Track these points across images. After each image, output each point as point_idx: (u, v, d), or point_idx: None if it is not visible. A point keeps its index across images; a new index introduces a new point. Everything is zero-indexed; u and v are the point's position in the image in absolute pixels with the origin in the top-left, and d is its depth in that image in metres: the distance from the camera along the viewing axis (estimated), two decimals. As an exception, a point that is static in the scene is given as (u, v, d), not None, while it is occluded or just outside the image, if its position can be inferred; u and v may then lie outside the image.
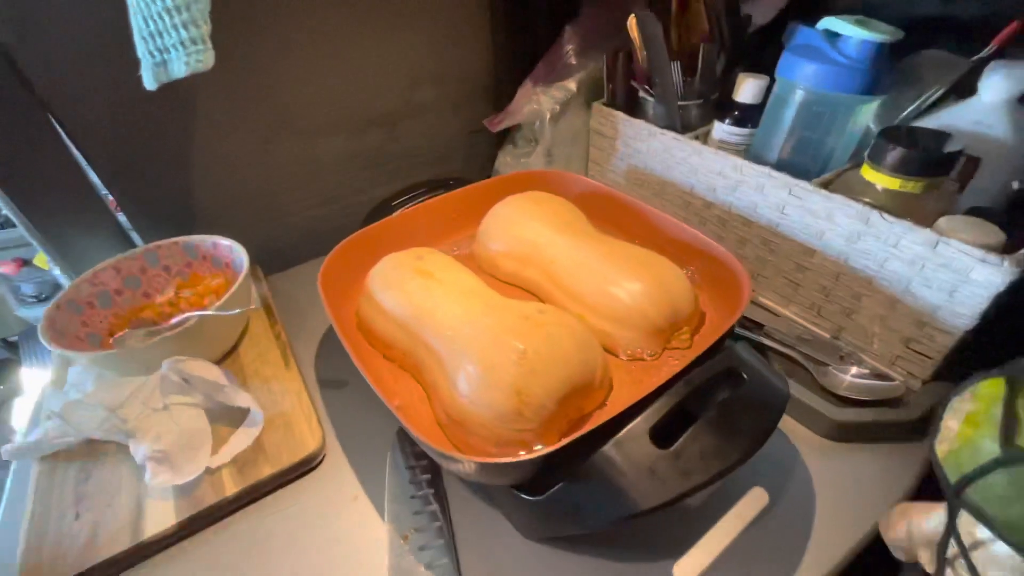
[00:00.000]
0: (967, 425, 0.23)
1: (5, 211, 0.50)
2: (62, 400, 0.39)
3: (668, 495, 0.29)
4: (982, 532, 0.25)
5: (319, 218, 0.68)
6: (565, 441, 0.30)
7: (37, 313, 1.41)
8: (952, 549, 0.25)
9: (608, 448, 0.31)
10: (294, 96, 0.58)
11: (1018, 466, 0.19)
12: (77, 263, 0.54)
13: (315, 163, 0.65)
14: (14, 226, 1.33)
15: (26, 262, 1.36)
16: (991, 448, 0.21)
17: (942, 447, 0.25)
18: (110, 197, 0.54)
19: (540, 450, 0.30)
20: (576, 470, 0.32)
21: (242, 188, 0.61)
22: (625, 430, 0.31)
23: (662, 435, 0.31)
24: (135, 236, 0.58)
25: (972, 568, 0.24)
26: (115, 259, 0.51)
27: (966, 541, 0.25)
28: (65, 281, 1.04)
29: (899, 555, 0.31)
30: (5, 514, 0.40)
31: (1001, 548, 0.23)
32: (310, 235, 0.68)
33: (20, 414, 1.60)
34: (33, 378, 1.67)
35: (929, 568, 0.28)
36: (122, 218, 0.57)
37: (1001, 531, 0.20)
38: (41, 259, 1.34)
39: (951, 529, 0.24)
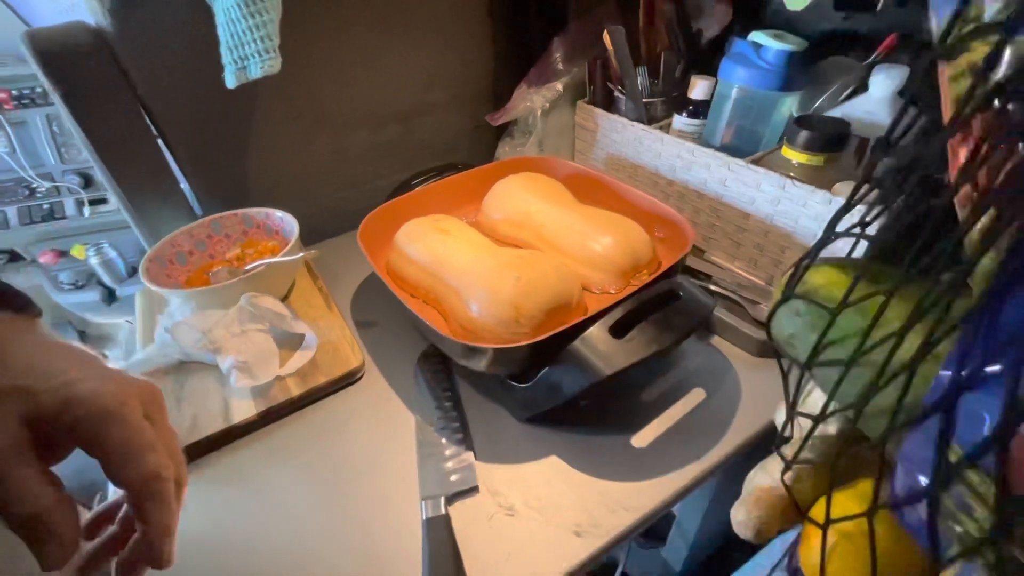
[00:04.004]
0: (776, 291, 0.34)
1: (107, 187, 0.62)
2: (171, 321, 0.51)
3: (620, 366, 0.41)
4: (807, 386, 0.35)
5: (345, 199, 0.80)
6: (549, 333, 0.42)
7: (74, 299, 1.52)
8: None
9: (577, 341, 0.43)
10: (331, 97, 0.71)
11: (787, 303, 0.30)
12: (153, 228, 0.66)
13: (343, 153, 0.77)
14: (54, 220, 1.46)
15: (63, 253, 1.47)
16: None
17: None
18: (182, 176, 0.67)
19: (533, 339, 0.42)
20: (554, 360, 0.44)
21: (285, 173, 0.73)
22: (590, 329, 0.43)
23: (621, 335, 0.44)
24: (197, 208, 0.70)
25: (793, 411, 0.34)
26: (188, 227, 0.63)
27: (802, 401, 0.35)
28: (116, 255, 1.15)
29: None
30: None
31: (815, 394, 0.34)
32: (338, 214, 0.80)
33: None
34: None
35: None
36: (189, 193, 0.69)
37: (783, 349, 0.32)
38: (78, 250, 1.45)
39: (785, 384, 0.35)
